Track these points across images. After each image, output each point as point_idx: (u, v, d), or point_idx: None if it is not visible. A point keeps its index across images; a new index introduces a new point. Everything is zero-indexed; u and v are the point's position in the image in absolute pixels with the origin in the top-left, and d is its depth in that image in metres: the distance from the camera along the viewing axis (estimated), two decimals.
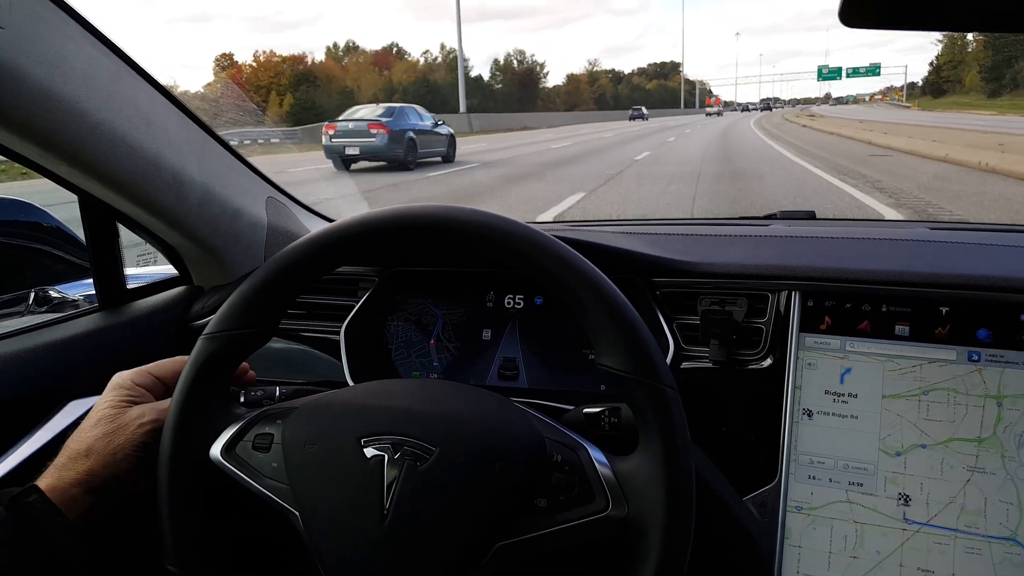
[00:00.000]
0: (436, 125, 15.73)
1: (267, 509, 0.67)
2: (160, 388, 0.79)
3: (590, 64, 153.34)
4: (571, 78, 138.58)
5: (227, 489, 0.69)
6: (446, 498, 0.61)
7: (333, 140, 13.90)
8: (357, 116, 14.45)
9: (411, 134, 14.29)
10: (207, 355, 0.69)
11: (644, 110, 71.08)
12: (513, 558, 0.61)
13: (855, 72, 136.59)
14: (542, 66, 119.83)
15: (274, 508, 0.66)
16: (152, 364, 0.80)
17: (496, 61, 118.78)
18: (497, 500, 0.61)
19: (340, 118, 14.49)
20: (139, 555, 0.84)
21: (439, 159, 15.48)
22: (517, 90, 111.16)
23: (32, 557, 0.66)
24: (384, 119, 14.00)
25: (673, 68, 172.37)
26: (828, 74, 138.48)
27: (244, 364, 0.80)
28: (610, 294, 0.63)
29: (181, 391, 0.69)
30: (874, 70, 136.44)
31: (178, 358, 0.80)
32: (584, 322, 0.64)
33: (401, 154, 13.94)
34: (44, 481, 0.71)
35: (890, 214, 6.87)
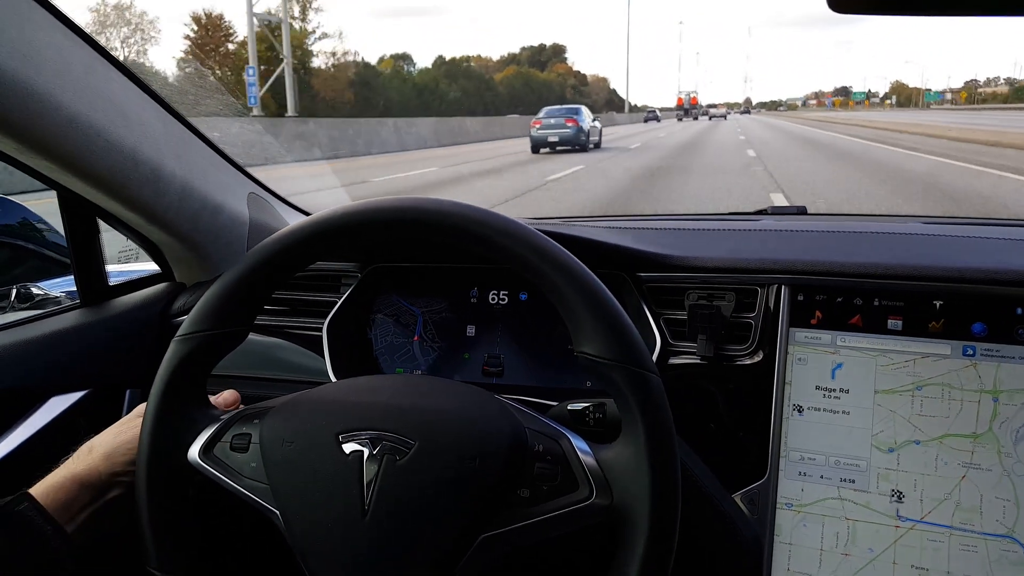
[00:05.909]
0: (593, 120, 21.91)
1: (248, 510, 0.65)
2: None
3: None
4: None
5: (207, 491, 0.67)
6: (427, 492, 0.60)
7: (539, 131, 19.71)
8: (554, 114, 20.26)
9: (585, 127, 20.15)
10: (181, 357, 0.68)
11: (657, 112, 73.19)
12: (498, 549, 0.60)
13: None
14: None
15: (255, 508, 0.65)
16: None
17: None
18: (479, 492, 0.60)
19: (541, 115, 20.39)
20: (131, 562, 0.83)
21: (593, 146, 21.06)
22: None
23: (24, 566, 0.65)
24: (574, 116, 19.92)
25: (555, 54, 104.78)
26: None
27: (234, 394, 0.80)
28: (585, 280, 0.62)
29: (156, 394, 0.68)
30: None
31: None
32: (561, 310, 0.63)
33: (584, 140, 19.79)
34: (39, 483, 0.70)
35: None
